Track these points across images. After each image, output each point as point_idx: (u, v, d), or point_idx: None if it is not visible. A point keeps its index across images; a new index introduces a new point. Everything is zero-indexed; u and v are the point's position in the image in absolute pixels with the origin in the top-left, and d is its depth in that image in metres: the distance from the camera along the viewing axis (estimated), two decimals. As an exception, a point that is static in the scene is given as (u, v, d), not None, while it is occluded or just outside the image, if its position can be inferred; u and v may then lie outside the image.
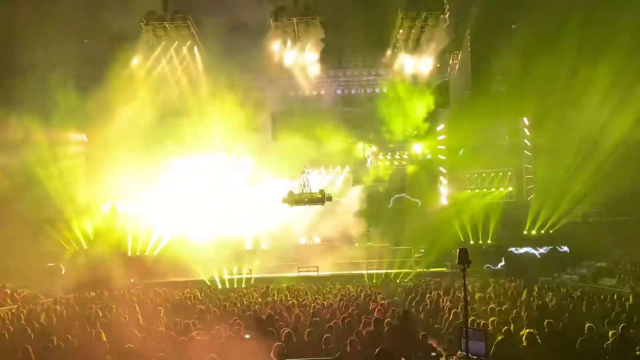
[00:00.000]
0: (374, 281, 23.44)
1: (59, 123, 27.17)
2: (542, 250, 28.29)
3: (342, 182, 32.47)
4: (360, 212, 30.97)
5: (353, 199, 31.26)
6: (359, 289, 19.44)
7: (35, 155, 26.49)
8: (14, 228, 25.95)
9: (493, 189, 31.51)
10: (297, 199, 28.25)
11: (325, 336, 10.21)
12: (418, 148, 32.57)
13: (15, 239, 25.87)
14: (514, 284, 19.92)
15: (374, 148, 32.73)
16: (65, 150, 28.89)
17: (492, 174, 31.67)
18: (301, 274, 27.64)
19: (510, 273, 24.42)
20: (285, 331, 10.41)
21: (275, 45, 28.83)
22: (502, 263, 27.98)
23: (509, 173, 31.33)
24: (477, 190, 31.79)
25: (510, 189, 31.20)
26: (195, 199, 30.55)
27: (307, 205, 28.80)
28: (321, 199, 28.22)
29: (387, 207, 31.49)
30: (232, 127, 30.20)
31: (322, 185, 30.39)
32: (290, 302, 15.50)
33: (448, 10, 27.29)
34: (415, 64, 30.06)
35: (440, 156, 32.34)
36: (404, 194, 32.29)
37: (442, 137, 32.19)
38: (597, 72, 23.85)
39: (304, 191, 28.40)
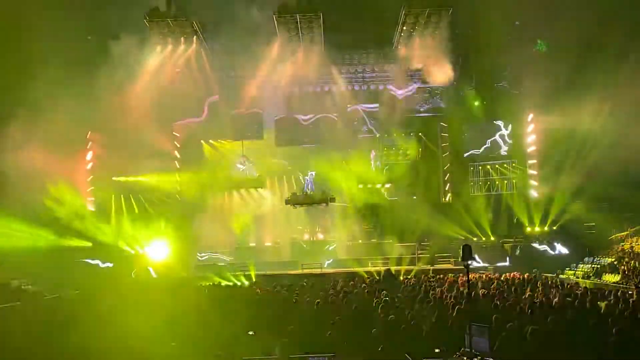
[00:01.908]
0: (377, 277, 23.43)
1: (62, 121, 27.15)
2: (545, 247, 28.24)
3: (345, 180, 32.38)
4: (363, 208, 31.00)
5: (356, 196, 31.21)
6: (362, 286, 19.44)
7: (40, 152, 26.50)
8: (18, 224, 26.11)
9: (497, 182, 31.51)
10: (301, 201, 28.68)
11: (328, 332, 10.23)
12: (421, 144, 32.59)
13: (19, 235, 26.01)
14: (517, 280, 19.91)
15: (375, 152, 32.66)
16: (69, 148, 28.88)
17: (497, 165, 31.66)
18: (305, 271, 27.67)
19: (514, 269, 24.38)
20: (289, 327, 10.44)
21: (278, 42, 28.84)
22: (507, 260, 27.97)
23: (514, 163, 31.30)
24: (480, 183, 31.78)
25: (514, 181, 31.19)
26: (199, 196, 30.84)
27: (310, 206, 29.20)
28: (324, 200, 28.55)
29: (391, 204, 31.42)
30: (234, 128, 30.50)
31: (325, 186, 30.51)
32: (294, 298, 15.52)
33: (451, 7, 27.24)
34: (418, 60, 30.11)
35: (444, 155, 32.34)
36: (407, 190, 32.24)
37: (445, 135, 32.28)
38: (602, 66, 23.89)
39: (307, 192, 28.82)
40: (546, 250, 28.05)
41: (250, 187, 30.85)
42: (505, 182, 31.48)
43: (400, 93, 31.52)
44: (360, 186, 31.39)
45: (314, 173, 29.92)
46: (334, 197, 29.26)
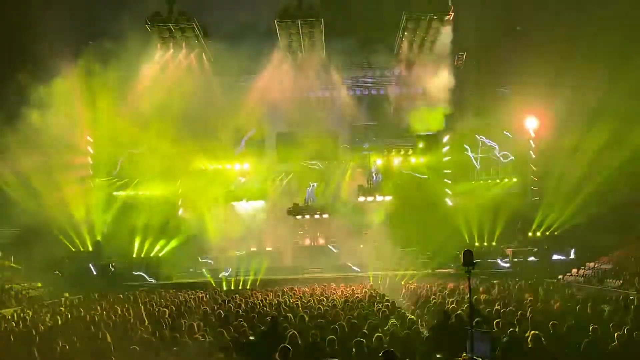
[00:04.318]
0: (379, 282, 23.40)
1: (64, 124, 27.20)
2: (546, 252, 28.17)
3: (348, 187, 32.26)
4: (365, 214, 30.96)
5: (356, 200, 31.18)
6: (363, 291, 19.40)
7: (42, 157, 26.55)
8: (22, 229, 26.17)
9: (498, 180, 31.50)
10: (302, 211, 28.98)
11: (329, 338, 10.18)
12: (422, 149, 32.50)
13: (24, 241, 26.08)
14: (518, 285, 19.87)
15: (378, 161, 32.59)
16: (70, 152, 28.91)
17: (499, 170, 31.67)
18: (306, 275, 27.65)
19: (516, 274, 24.34)
20: (290, 333, 10.38)
21: (280, 47, 28.87)
22: (508, 264, 27.91)
23: (515, 168, 31.33)
24: (481, 182, 31.75)
25: (514, 179, 31.17)
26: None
27: (312, 217, 29.39)
28: (326, 211, 28.82)
29: (393, 209, 31.33)
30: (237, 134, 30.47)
31: (327, 196, 30.62)
32: (295, 303, 15.48)
33: (453, 12, 27.26)
34: (420, 65, 30.14)
35: (445, 158, 32.27)
36: (408, 197, 32.14)
37: (446, 138, 32.22)
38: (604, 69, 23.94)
39: (309, 203, 29.15)
40: (547, 255, 27.99)
41: (251, 199, 30.98)
42: (507, 185, 31.42)
43: (400, 97, 31.49)
44: (361, 198, 31.27)
45: (315, 184, 30.26)
46: (335, 208, 29.56)
